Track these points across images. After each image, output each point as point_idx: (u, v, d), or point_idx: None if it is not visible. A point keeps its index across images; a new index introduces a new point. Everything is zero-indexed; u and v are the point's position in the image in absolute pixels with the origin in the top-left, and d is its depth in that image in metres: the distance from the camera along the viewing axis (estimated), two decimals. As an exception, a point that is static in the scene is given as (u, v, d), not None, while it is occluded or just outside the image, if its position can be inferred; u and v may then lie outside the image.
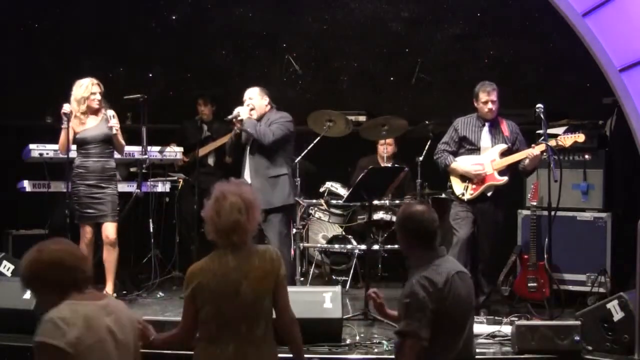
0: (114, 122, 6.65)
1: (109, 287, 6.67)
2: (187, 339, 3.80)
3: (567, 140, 6.44)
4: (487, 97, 6.54)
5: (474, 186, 6.57)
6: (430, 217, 3.96)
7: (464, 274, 3.98)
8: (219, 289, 3.66)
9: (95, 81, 6.69)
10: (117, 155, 6.86)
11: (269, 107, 6.73)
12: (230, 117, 6.66)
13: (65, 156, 6.66)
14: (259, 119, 6.66)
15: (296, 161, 7.43)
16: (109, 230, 6.62)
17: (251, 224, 3.75)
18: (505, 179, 6.55)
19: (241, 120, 6.61)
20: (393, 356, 5.42)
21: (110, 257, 6.64)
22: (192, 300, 3.71)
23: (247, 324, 3.68)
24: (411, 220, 3.97)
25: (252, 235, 3.78)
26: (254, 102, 6.72)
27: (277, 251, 3.85)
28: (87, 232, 6.66)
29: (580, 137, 6.46)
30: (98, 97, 6.66)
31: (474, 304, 4.15)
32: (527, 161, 6.48)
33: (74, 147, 6.74)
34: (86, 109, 6.66)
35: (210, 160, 8.52)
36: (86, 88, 6.65)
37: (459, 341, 3.87)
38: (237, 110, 6.65)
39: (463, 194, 6.59)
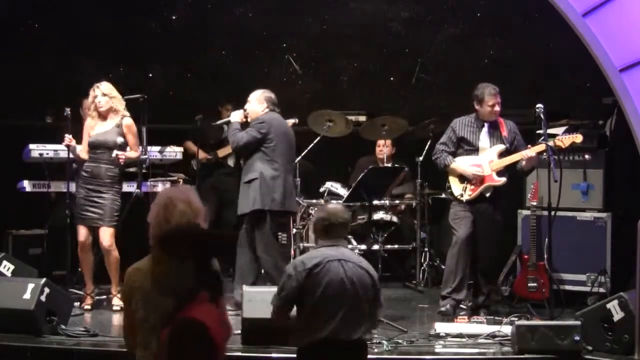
0: (121, 154, 6.61)
1: (114, 288, 6.67)
2: (128, 344, 3.68)
3: (565, 140, 6.45)
4: (494, 100, 6.52)
5: (472, 187, 6.56)
6: (339, 214, 4.48)
7: (350, 264, 4.33)
8: (152, 291, 3.52)
9: (96, 85, 6.68)
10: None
11: (266, 111, 6.73)
12: (220, 122, 6.96)
13: (66, 156, 6.72)
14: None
15: (296, 161, 7.43)
16: (103, 236, 6.56)
17: None
18: (503, 179, 6.54)
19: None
20: (393, 356, 5.47)
21: (108, 261, 6.61)
22: (128, 303, 3.61)
23: None
24: (322, 213, 4.55)
25: None
26: (249, 106, 6.80)
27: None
28: (81, 234, 6.58)
29: (578, 138, 6.47)
30: (99, 99, 6.62)
31: (362, 292, 4.35)
32: (524, 162, 6.47)
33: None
34: (96, 114, 6.67)
35: (230, 162, 8.44)
36: (90, 94, 6.68)
37: (325, 322, 4.21)
38: (232, 114, 6.80)
39: (462, 195, 6.58)
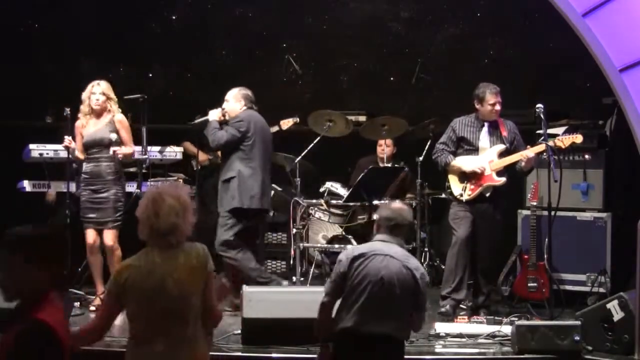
0: (118, 150, 6.62)
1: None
2: (98, 339, 3.78)
3: (565, 141, 6.46)
4: (495, 99, 6.54)
5: (472, 186, 6.56)
6: (405, 215, 4.51)
7: (395, 261, 4.34)
8: (145, 286, 3.62)
9: (97, 82, 6.70)
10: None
11: (244, 108, 6.75)
12: (198, 120, 6.93)
13: (66, 156, 6.72)
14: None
15: (296, 161, 7.41)
16: (106, 235, 6.60)
17: (187, 226, 3.73)
18: (503, 179, 6.54)
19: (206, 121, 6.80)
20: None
21: (111, 260, 6.61)
22: (116, 299, 3.68)
23: (176, 323, 3.63)
24: (387, 211, 4.53)
25: (187, 236, 3.75)
26: (228, 105, 6.82)
27: (204, 247, 3.80)
28: (90, 237, 6.62)
29: (578, 138, 6.48)
30: (97, 97, 6.64)
31: (398, 291, 4.35)
32: (523, 163, 6.48)
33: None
34: (89, 110, 6.68)
35: None
36: (88, 89, 6.68)
37: (354, 311, 4.28)
38: (210, 112, 6.78)
39: (461, 194, 6.59)
